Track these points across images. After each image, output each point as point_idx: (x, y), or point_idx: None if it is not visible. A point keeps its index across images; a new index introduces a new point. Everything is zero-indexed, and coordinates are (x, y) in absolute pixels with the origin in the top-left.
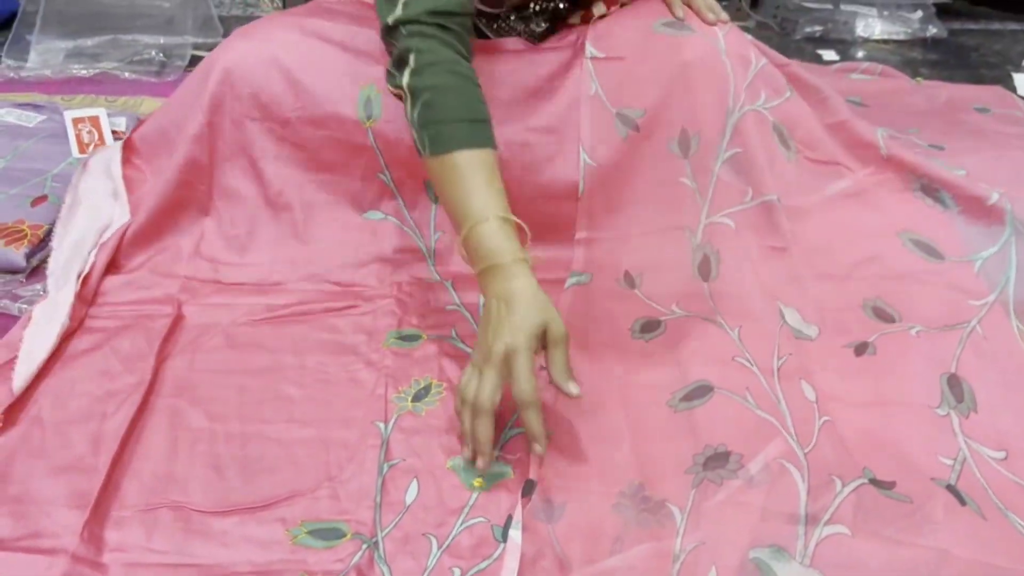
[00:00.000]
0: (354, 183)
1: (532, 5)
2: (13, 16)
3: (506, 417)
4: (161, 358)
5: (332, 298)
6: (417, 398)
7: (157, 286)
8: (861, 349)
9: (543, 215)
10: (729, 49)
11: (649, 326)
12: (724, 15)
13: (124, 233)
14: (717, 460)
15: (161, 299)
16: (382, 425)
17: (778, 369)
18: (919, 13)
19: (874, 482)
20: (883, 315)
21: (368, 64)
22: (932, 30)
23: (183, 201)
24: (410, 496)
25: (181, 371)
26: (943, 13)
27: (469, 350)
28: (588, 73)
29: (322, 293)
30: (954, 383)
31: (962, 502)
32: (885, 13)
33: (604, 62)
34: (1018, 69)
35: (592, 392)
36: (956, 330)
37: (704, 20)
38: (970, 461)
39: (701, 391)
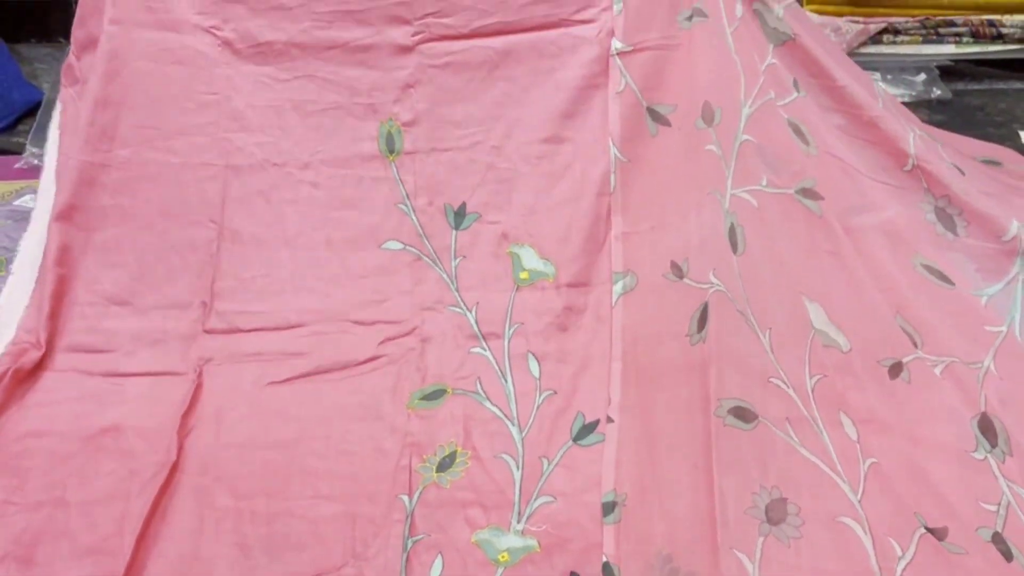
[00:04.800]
0: (374, 216)
1: None
2: (38, 105)
3: (531, 488)
4: (184, 432)
5: (354, 346)
6: (442, 467)
7: (172, 342)
8: (896, 371)
9: (574, 216)
10: (738, 46)
11: (702, 318)
12: None
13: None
14: (777, 509)
15: (178, 362)
16: (406, 499)
17: (813, 390)
18: (923, 76)
19: (929, 530)
20: (908, 334)
21: (384, 100)
22: (936, 92)
23: (193, 242)
24: (435, 572)
25: (205, 446)
26: (946, 75)
27: (495, 410)
28: (617, 69)
29: (344, 336)
30: (986, 426)
31: (1008, 557)
32: (889, 77)
33: (632, 55)
34: None
35: (664, 434)
36: (974, 368)
37: None
38: (1014, 505)
39: (747, 415)
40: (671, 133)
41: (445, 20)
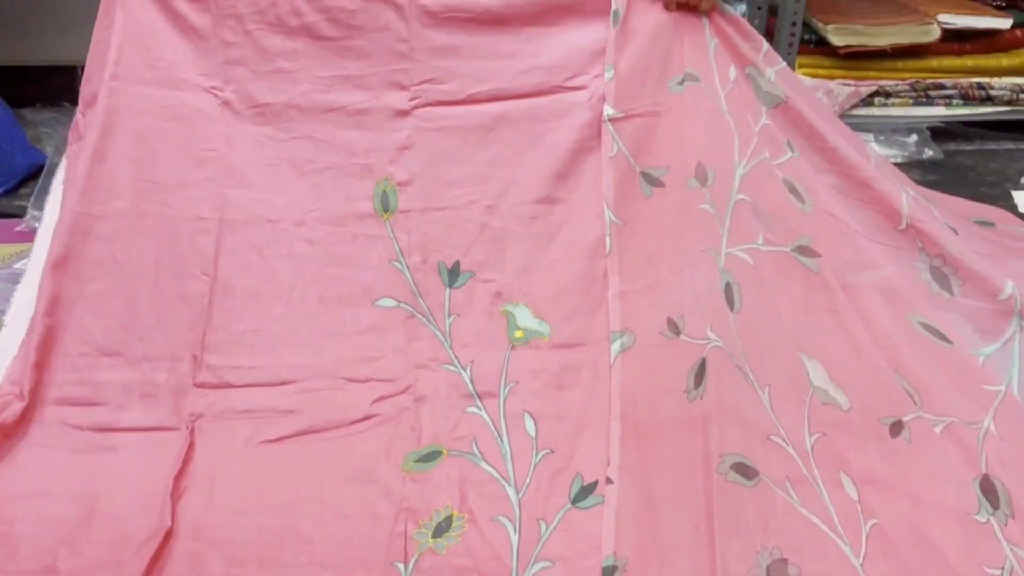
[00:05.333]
0: (368, 273)
1: None
2: (41, 169)
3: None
4: (176, 495)
5: (347, 404)
6: (438, 533)
7: (163, 395)
8: (896, 429)
9: (568, 277)
10: (731, 108)
11: (699, 374)
12: None
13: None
14: (778, 570)
15: (169, 417)
16: (402, 566)
17: (812, 448)
18: (914, 137)
19: None
20: (907, 392)
21: (380, 160)
22: (929, 152)
23: (186, 295)
24: None
25: (198, 510)
26: (938, 135)
27: (491, 470)
28: (609, 135)
29: (337, 394)
30: (988, 488)
31: None
32: (881, 138)
33: (623, 121)
34: (1017, 187)
35: (664, 490)
36: (974, 428)
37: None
38: (1018, 569)
39: (749, 472)
40: (665, 194)
41: (441, 86)
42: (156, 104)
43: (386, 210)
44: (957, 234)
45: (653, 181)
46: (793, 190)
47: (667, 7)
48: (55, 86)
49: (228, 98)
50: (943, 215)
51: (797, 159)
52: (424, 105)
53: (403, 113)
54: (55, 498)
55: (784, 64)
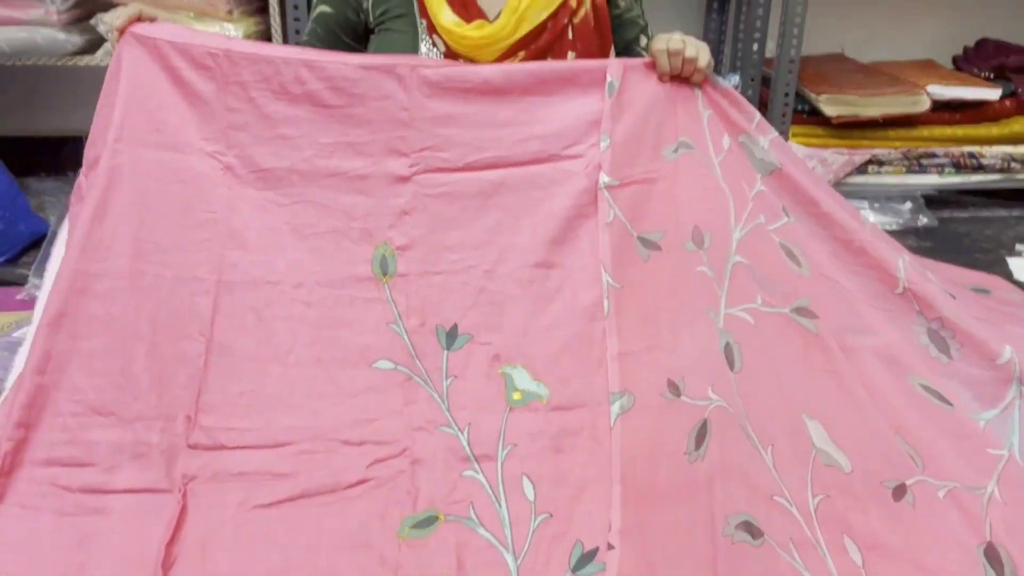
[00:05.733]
0: (366, 336)
1: None
2: (43, 237)
3: None
4: (168, 564)
5: (342, 468)
6: None
7: (155, 456)
8: (899, 493)
9: (566, 339)
10: (725, 175)
11: (700, 435)
12: (703, 57)
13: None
14: None
15: (161, 479)
16: None
17: (815, 510)
18: (909, 204)
19: None
20: (909, 455)
21: (379, 225)
22: (923, 219)
23: (182, 355)
24: None
25: None
26: (932, 203)
27: (489, 536)
28: (606, 201)
29: (332, 457)
30: (992, 555)
31: None
32: (876, 205)
33: (619, 189)
34: (1012, 254)
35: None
36: (977, 494)
37: (687, 77)
38: None
39: (755, 531)
40: (663, 257)
41: (441, 154)
42: (159, 167)
43: (385, 274)
44: (955, 298)
45: (650, 245)
46: (790, 254)
47: (661, 79)
48: (61, 156)
49: (230, 163)
50: (940, 280)
51: (793, 224)
52: (424, 172)
53: (403, 179)
54: (41, 567)
55: (777, 134)
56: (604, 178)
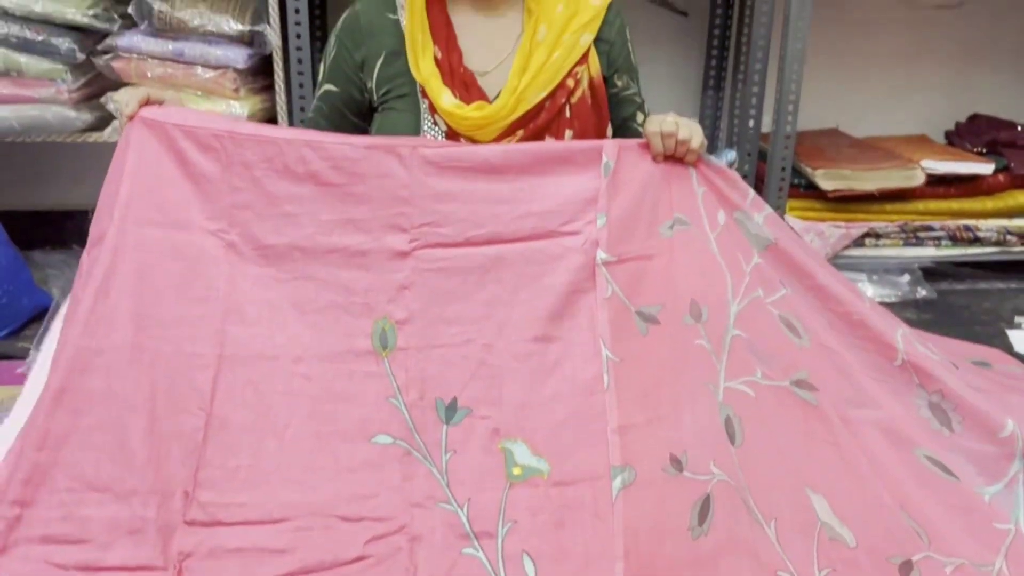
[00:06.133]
0: (364, 410)
1: None
2: (45, 311)
3: None
4: None
5: (340, 544)
6: None
7: (150, 532)
8: (906, 570)
9: (566, 413)
10: (722, 250)
11: (703, 510)
12: (696, 138)
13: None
14: None
15: (156, 556)
16: None
17: None
18: (907, 276)
19: None
20: (915, 531)
21: (379, 299)
22: (922, 292)
23: (180, 430)
24: None
25: None
26: (930, 275)
27: None
28: (603, 277)
29: (329, 533)
30: None
31: None
32: (875, 277)
33: (617, 265)
34: (1011, 326)
35: None
36: (985, 571)
37: (680, 156)
38: None
39: None
40: (661, 330)
41: (440, 230)
42: (161, 244)
43: (384, 347)
44: (956, 368)
45: (648, 319)
46: (789, 325)
47: (655, 159)
48: (65, 229)
49: (232, 240)
50: (939, 353)
51: (791, 295)
52: (423, 247)
53: (403, 254)
54: None
55: (771, 211)
56: (601, 254)
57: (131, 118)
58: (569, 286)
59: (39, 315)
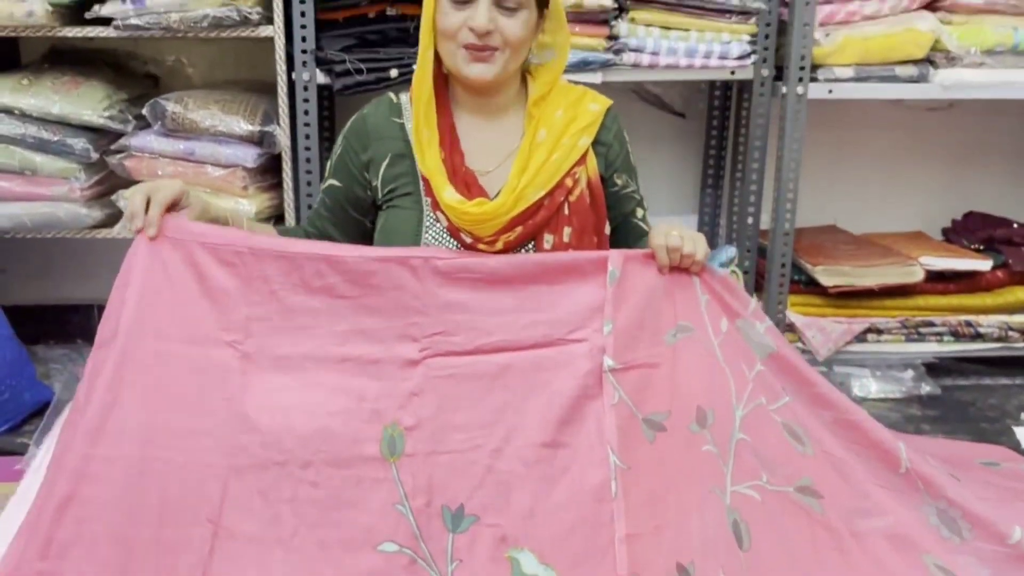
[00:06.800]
0: (371, 517)
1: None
2: (46, 406)
3: None
4: None
5: None
6: None
7: None
8: None
9: (574, 521)
10: (725, 356)
11: None
12: (700, 250)
13: None
14: None
15: None
16: None
17: None
18: (910, 372)
19: None
20: None
21: (389, 406)
22: (926, 388)
23: (188, 541)
24: None
25: None
26: (933, 371)
27: None
28: (610, 386)
29: None
30: None
31: None
32: (878, 373)
33: (623, 372)
34: (1017, 423)
35: None
36: None
37: (685, 268)
38: None
39: None
40: (668, 437)
41: (451, 338)
42: (176, 359)
43: (392, 454)
44: (959, 481)
45: (655, 426)
46: (793, 433)
47: (660, 271)
48: (70, 324)
49: (247, 351)
50: (942, 464)
51: (794, 403)
52: (434, 355)
53: (413, 363)
54: None
55: (771, 323)
56: (608, 361)
57: (154, 233)
58: (577, 392)
59: (40, 410)
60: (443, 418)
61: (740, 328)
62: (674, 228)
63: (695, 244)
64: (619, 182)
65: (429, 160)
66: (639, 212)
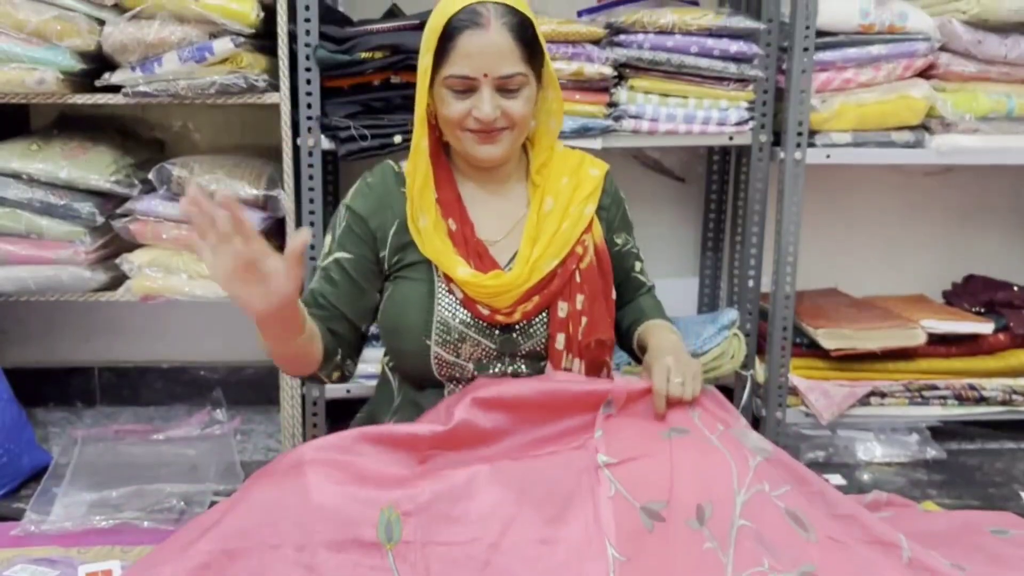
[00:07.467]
0: None
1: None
2: (44, 470)
3: None
4: None
5: None
6: None
7: None
8: None
9: None
10: (724, 444)
11: None
12: (697, 390)
13: None
14: None
15: None
16: None
17: None
18: (915, 436)
19: None
20: None
21: (388, 488)
22: (931, 452)
23: None
24: None
25: None
26: (938, 434)
27: None
28: (606, 479)
29: None
30: None
31: None
32: (882, 437)
33: (618, 466)
34: None
35: None
36: None
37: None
38: None
39: None
40: (666, 528)
41: (450, 453)
42: None
43: (389, 540)
44: (965, 570)
45: (653, 515)
46: (796, 519)
47: (657, 418)
48: (70, 387)
49: None
50: (950, 557)
51: (794, 491)
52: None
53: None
54: None
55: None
56: (602, 457)
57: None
58: (573, 486)
59: (38, 474)
60: (440, 508)
61: (735, 434)
62: (675, 367)
63: (694, 387)
64: (619, 241)
65: (430, 247)
66: (638, 266)
